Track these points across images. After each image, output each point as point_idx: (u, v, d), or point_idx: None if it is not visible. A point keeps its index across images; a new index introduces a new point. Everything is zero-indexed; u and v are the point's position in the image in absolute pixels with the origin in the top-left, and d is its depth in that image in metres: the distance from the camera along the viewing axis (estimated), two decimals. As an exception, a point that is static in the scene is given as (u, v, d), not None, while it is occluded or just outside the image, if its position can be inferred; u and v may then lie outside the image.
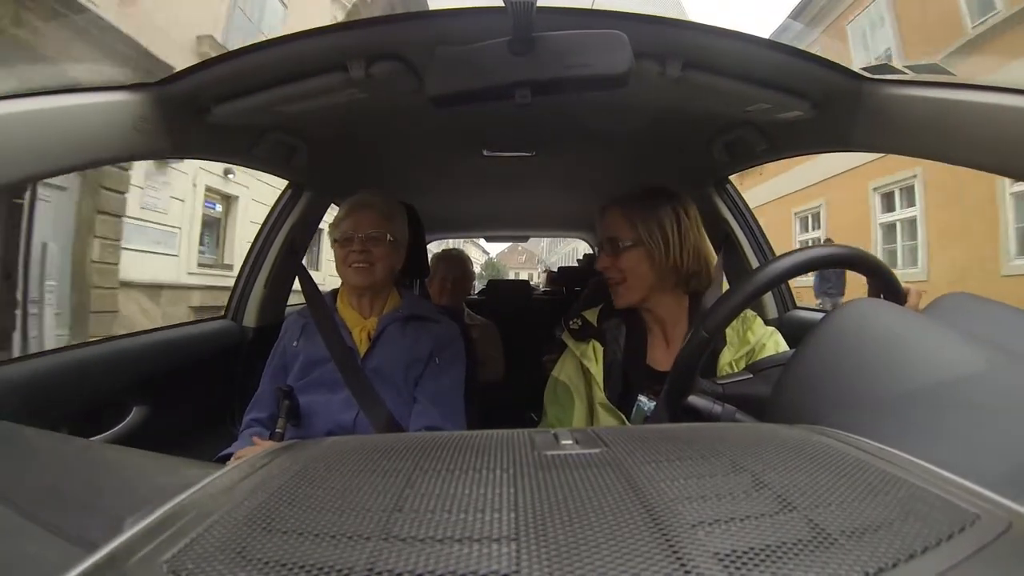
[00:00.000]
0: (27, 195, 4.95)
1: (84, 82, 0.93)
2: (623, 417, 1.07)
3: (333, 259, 1.34)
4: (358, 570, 0.23)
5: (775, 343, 1.07)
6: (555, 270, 4.88)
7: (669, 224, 1.09)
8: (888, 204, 8.36)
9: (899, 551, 0.24)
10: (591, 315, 1.20)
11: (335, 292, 1.37)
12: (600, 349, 1.13)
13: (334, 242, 1.30)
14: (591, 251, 3.78)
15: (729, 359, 1.05)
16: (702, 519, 0.27)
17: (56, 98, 0.86)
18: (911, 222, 7.94)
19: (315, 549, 0.25)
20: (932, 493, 0.29)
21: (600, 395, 1.10)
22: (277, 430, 1.18)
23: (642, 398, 1.06)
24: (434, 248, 3.21)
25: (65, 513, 0.34)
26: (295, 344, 1.29)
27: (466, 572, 0.23)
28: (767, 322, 1.60)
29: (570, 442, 0.39)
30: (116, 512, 0.32)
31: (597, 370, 1.11)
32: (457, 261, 2.46)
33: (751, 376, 0.76)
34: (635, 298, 1.11)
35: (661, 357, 1.13)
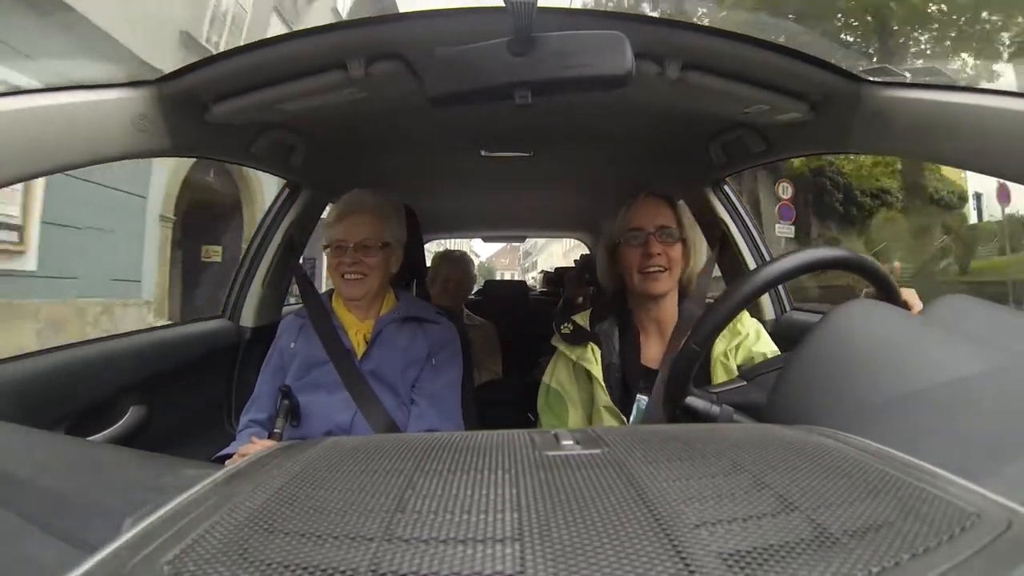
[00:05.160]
0: None
1: (85, 79, 0.93)
2: (624, 420, 1.08)
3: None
4: (362, 571, 0.23)
5: (756, 331, 1.13)
6: (551, 271, 4.88)
7: (695, 230, 1.20)
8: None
9: (901, 550, 0.24)
10: (581, 319, 1.21)
11: (331, 292, 1.36)
12: (598, 351, 1.14)
13: (325, 247, 1.27)
14: (582, 252, 3.77)
15: (723, 349, 1.09)
16: (705, 519, 0.27)
17: (56, 95, 0.86)
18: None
19: (318, 550, 0.25)
20: (932, 493, 0.29)
21: (604, 398, 1.10)
22: (276, 430, 1.18)
23: (641, 397, 1.09)
24: (432, 248, 3.21)
25: (63, 514, 0.34)
26: (292, 345, 1.29)
27: (471, 573, 0.23)
28: (763, 323, 1.62)
29: (571, 442, 0.40)
30: (115, 513, 0.32)
31: (598, 371, 1.12)
32: (459, 262, 2.45)
33: (744, 383, 0.77)
34: (671, 286, 1.16)
35: (655, 355, 1.16)
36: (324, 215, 1.60)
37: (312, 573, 0.23)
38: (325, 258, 1.31)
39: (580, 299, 3.02)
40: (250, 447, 1.09)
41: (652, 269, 1.13)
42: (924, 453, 0.36)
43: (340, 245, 1.23)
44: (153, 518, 0.30)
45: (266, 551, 0.25)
